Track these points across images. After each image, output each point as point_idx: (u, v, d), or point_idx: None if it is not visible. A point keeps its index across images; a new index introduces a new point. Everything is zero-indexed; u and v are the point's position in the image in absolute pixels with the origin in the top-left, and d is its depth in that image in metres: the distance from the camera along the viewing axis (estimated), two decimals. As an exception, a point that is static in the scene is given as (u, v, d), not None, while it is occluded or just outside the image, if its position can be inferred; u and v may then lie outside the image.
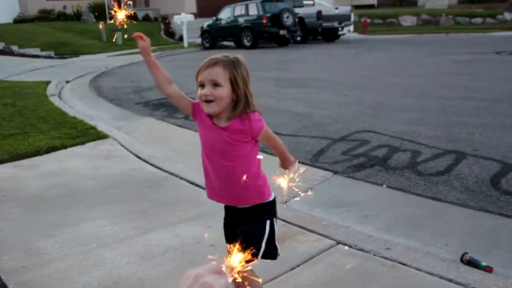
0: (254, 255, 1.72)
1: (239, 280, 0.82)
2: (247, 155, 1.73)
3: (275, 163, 1.92)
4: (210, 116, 1.73)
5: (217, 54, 1.72)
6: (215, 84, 1.64)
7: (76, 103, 7.92)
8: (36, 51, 17.44)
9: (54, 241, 2.82)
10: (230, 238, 1.82)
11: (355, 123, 5.39)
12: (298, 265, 2.43)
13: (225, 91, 1.65)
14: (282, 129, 5.18)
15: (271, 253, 1.79)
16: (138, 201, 3.44)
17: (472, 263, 2.48)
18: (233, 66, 1.66)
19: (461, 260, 2.52)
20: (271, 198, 1.81)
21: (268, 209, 1.79)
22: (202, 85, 1.67)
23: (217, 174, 1.75)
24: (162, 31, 24.79)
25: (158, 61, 1.82)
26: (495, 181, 3.51)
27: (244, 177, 1.68)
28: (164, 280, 2.37)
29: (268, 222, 1.76)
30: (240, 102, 1.67)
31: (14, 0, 23.73)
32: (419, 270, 2.37)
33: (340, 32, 19.78)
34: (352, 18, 21.56)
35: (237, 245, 1.44)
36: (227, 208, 1.86)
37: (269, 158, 2.06)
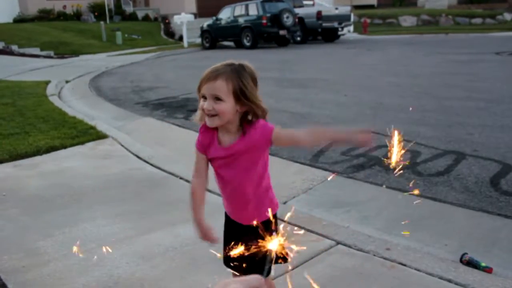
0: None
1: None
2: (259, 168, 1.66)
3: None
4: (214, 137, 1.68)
5: (220, 64, 1.60)
6: (217, 98, 1.55)
7: (75, 103, 7.92)
8: (36, 50, 17.46)
9: (54, 240, 2.82)
10: (232, 259, 1.76)
11: (355, 123, 5.39)
12: (298, 265, 2.43)
13: (228, 106, 1.56)
14: (282, 129, 5.18)
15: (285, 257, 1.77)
16: (138, 201, 3.45)
17: (471, 264, 2.48)
18: (236, 77, 1.56)
19: (461, 261, 2.53)
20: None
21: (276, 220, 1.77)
22: (204, 97, 1.60)
23: (237, 194, 1.71)
24: (162, 31, 24.81)
25: (199, 211, 1.76)
26: (495, 182, 3.52)
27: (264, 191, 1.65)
28: (164, 280, 2.37)
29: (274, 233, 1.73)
30: (246, 113, 1.61)
31: (14, -1, 23.77)
32: (418, 270, 2.37)
33: (340, 32, 19.80)
34: (352, 18, 21.60)
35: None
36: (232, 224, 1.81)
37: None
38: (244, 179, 1.67)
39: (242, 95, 1.56)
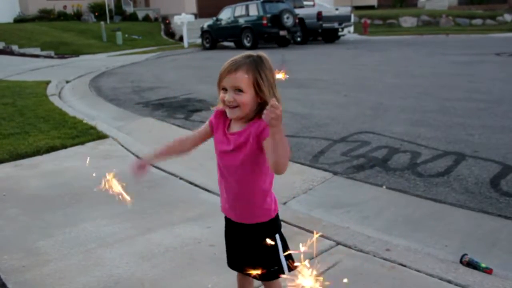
0: (280, 272, 1.70)
1: None
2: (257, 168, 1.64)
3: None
4: (224, 125, 1.69)
5: (239, 56, 1.62)
6: (238, 90, 1.57)
7: (76, 103, 7.92)
8: (36, 50, 17.45)
9: (54, 240, 2.82)
10: (236, 259, 1.78)
11: (355, 124, 5.39)
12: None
13: (248, 97, 1.58)
14: (282, 129, 5.18)
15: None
16: (138, 201, 3.43)
17: (471, 265, 2.48)
18: (256, 68, 1.58)
19: (461, 261, 2.53)
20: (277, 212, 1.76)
21: (274, 224, 1.73)
22: (224, 89, 1.61)
23: (227, 188, 1.71)
24: (162, 31, 24.81)
25: (159, 150, 1.85)
26: (495, 183, 3.52)
27: (254, 194, 1.64)
28: (164, 280, 2.37)
29: (277, 236, 1.71)
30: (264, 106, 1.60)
31: (14, -1, 23.77)
32: (418, 271, 2.37)
33: (340, 33, 19.82)
34: (352, 19, 21.62)
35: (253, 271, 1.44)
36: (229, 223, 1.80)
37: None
38: (238, 173, 1.65)
39: (260, 87, 1.57)
